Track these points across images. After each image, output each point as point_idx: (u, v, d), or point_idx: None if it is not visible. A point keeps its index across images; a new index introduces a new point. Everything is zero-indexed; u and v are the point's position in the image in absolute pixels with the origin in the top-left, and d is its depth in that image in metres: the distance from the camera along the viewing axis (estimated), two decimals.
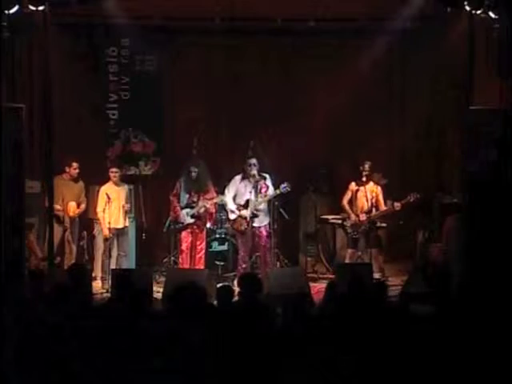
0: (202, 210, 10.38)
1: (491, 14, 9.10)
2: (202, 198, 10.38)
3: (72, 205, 10.55)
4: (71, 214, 10.57)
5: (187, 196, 10.44)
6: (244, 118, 11.61)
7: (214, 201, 10.40)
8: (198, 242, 10.49)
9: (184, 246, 10.43)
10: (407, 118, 11.87)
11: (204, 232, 10.58)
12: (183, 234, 10.45)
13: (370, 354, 5.30)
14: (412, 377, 5.22)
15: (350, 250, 10.64)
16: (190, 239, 10.46)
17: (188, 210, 10.41)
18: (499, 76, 9.42)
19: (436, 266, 9.64)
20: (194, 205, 10.40)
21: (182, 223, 10.42)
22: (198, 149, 11.07)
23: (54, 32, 9.49)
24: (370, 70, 11.40)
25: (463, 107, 9.49)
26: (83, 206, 10.76)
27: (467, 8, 9.16)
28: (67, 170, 10.58)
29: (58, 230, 10.11)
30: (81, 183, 10.75)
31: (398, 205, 10.28)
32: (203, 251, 10.52)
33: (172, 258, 10.78)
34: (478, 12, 9.10)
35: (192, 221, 10.42)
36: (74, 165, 10.57)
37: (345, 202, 10.57)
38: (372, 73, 11.44)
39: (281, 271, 10.40)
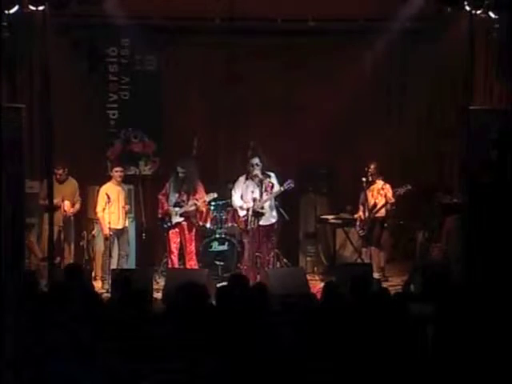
0: (192, 208, 10.38)
1: (491, 14, 9.11)
2: (191, 197, 10.39)
3: (66, 203, 10.48)
4: (65, 211, 10.47)
5: (176, 195, 10.45)
6: (244, 118, 11.62)
7: (205, 199, 10.40)
8: (188, 243, 10.47)
9: (173, 247, 10.45)
10: (407, 118, 11.87)
11: (193, 233, 10.55)
12: (171, 234, 10.46)
13: (370, 353, 5.30)
14: (412, 377, 5.22)
15: (364, 250, 10.71)
16: (178, 239, 10.47)
17: (177, 208, 10.42)
18: (499, 76, 9.43)
19: (436, 266, 9.66)
20: (183, 204, 10.41)
21: (171, 222, 10.42)
22: (198, 149, 11.07)
23: (53, 32, 9.48)
24: (370, 69, 11.41)
25: (463, 107, 9.49)
26: (77, 205, 10.71)
27: (467, 8, 9.16)
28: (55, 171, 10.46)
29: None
30: (71, 183, 10.63)
31: (390, 198, 10.37)
32: (194, 252, 10.50)
33: (167, 259, 10.77)
34: (478, 12, 9.10)
35: (181, 219, 10.42)
36: (57, 171, 10.33)
37: (360, 204, 10.80)
38: (372, 73, 11.45)
39: (281, 271, 10.41)
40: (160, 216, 10.56)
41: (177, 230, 10.46)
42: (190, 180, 10.40)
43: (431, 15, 10.57)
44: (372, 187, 10.65)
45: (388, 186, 10.59)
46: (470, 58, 9.38)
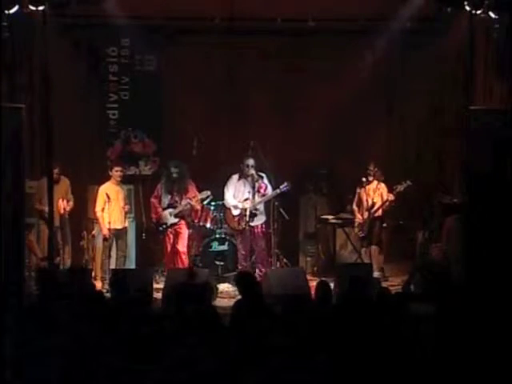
0: (187, 207, 10.40)
1: (491, 14, 9.11)
2: (184, 197, 10.40)
3: (60, 202, 10.42)
4: (61, 211, 10.44)
5: (169, 197, 10.46)
6: (244, 118, 11.62)
7: (199, 197, 10.42)
8: (180, 243, 10.47)
9: (169, 248, 10.48)
10: (407, 118, 11.87)
11: (187, 232, 10.56)
12: (167, 235, 10.48)
13: (369, 353, 5.30)
14: (411, 377, 5.22)
15: (364, 249, 10.73)
16: (171, 240, 10.47)
17: (171, 210, 10.43)
18: (499, 76, 9.44)
19: (436, 266, 9.66)
20: (176, 204, 10.42)
21: (166, 224, 10.42)
22: (198, 149, 11.07)
23: (53, 32, 9.47)
24: (369, 70, 11.40)
25: (463, 107, 9.48)
26: (71, 203, 10.64)
27: (467, 8, 9.17)
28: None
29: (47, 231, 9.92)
30: (64, 182, 10.56)
31: (390, 195, 10.38)
32: (185, 252, 10.48)
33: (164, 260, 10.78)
34: (478, 12, 9.10)
35: (176, 220, 10.43)
36: (54, 170, 10.32)
37: (354, 206, 10.88)
38: (372, 73, 11.44)
39: (281, 271, 10.40)
40: (154, 220, 10.57)
41: (172, 230, 10.47)
42: (182, 180, 10.42)
43: (431, 15, 10.57)
44: (367, 187, 10.69)
45: (383, 185, 10.63)
46: (470, 58, 9.38)
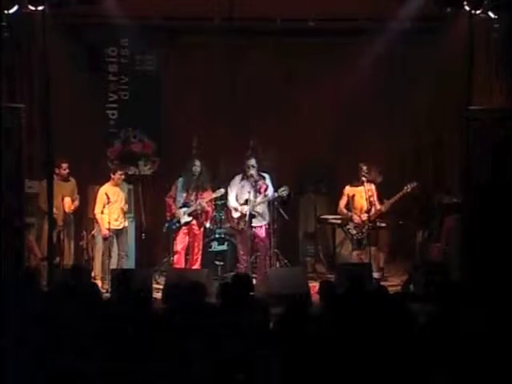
0: (199, 207, 10.38)
1: (491, 14, 9.13)
2: (199, 196, 10.38)
3: (67, 200, 10.41)
4: (67, 209, 10.44)
5: (184, 195, 10.43)
6: (244, 118, 11.61)
7: (212, 196, 10.40)
8: (196, 243, 10.48)
9: (179, 247, 10.40)
10: (407, 118, 11.86)
11: (201, 232, 10.57)
12: (180, 234, 10.44)
13: (370, 353, 5.30)
14: (412, 377, 5.22)
15: (355, 253, 10.69)
16: (186, 240, 10.45)
17: (185, 209, 10.41)
18: (499, 76, 9.45)
19: (436, 266, 9.66)
20: (191, 203, 10.40)
21: (179, 222, 10.41)
22: (198, 149, 11.07)
23: (53, 32, 9.48)
24: (369, 70, 11.40)
25: (463, 107, 9.49)
26: (77, 202, 10.65)
27: (467, 8, 9.18)
28: (57, 171, 10.39)
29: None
30: (72, 181, 10.60)
31: (408, 187, 10.30)
32: (200, 252, 10.51)
33: (172, 258, 10.77)
34: (478, 12, 9.12)
35: (189, 219, 10.42)
36: (64, 165, 10.35)
37: (342, 206, 10.74)
38: (372, 73, 11.43)
39: (281, 271, 10.41)
40: (168, 218, 10.55)
41: (186, 230, 10.45)
42: (203, 176, 10.40)
43: (431, 15, 10.57)
44: (359, 189, 10.56)
45: (373, 186, 10.55)
46: (470, 57, 9.38)
